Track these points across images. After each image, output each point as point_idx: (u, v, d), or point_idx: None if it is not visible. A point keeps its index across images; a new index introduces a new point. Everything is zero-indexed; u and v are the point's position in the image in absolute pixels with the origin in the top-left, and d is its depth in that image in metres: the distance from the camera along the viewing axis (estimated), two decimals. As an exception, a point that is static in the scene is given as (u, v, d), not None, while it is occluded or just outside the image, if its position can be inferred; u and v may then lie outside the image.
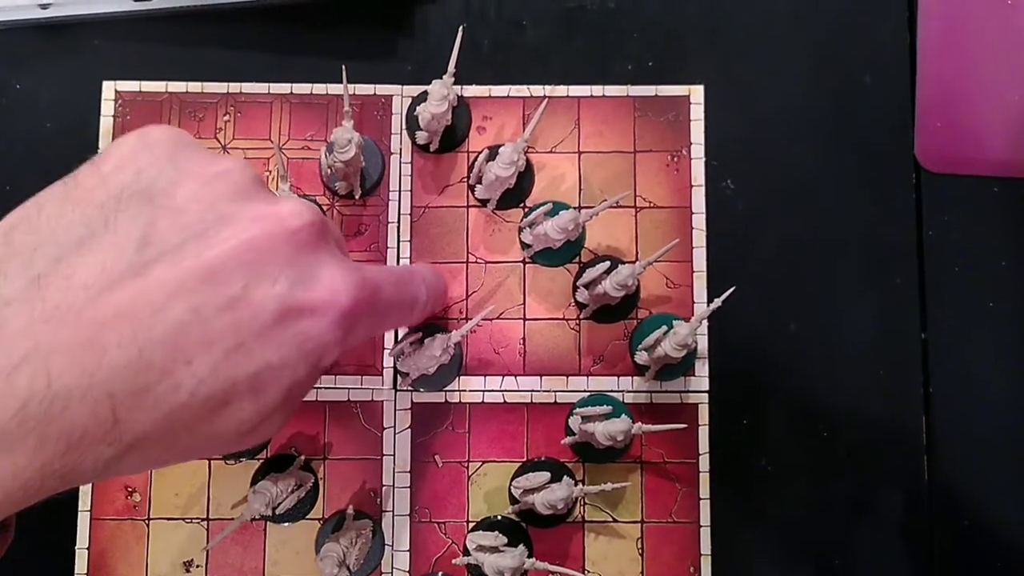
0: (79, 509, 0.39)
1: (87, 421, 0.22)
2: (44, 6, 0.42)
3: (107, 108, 0.42)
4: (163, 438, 0.24)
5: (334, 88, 0.42)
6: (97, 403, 0.22)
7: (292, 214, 0.25)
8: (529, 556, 0.36)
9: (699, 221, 0.41)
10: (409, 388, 0.40)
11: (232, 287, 0.24)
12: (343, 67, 0.37)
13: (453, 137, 0.41)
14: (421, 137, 0.41)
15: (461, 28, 0.38)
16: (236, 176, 0.26)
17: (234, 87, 0.42)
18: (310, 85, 0.42)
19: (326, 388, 0.40)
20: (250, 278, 0.24)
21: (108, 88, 0.42)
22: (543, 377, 0.40)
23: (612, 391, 0.40)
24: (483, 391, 0.40)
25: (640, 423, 0.36)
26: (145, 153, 0.26)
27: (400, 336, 0.40)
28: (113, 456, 0.23)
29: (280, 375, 0.25)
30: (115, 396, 0.22)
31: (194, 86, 0.42)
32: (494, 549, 0.36)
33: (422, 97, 0.41)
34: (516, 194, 0.41)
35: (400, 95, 0.42)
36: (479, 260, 0.41)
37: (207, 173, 0.25)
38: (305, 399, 0.39)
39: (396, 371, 0.40)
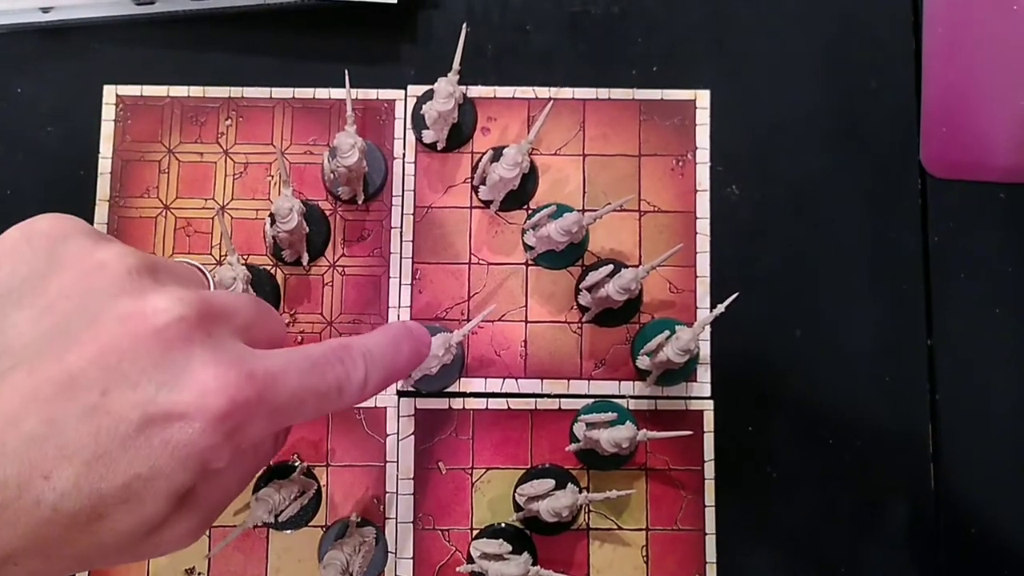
0: (80, 516, 0.39)
1: None
2: (45, 10, 0.41)
3: (108, 112, 0.42)
4: (38, 553, 0.22)
5: (337, 93, 0.42)
6: None
7: (160, 310, 0.23)
8: (533, 564, 0.36)
9: (703, 226, 0.41)
10: (412, 388, 0.40)
11: (91, 394, 0.22)
12: (346, 72, 0.37)
13: (460, 134, 0.41)
14: (428, 136, 0.41)
15: (464, 25, 0.38)
16: (112, 267, 0.24)
17: (236, 91, 0.42)
18: (312, 89, 0.42)
19: (329, 394, 0.40)
20: (110, 383, 0.22)
21: (109, 92, 0.42)
22: (544, 380, 0.40)
23: (613, 395, 0.40)
24: (486, 396, 0.40)
25: (645, 430, 0.36)
26: (24, 248, 0.24)
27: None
28: None
29: (154, 484, 0.23)
30: None
31: (195, 90, 0.42)
32: (498, 557, 0.36)
33: (428, 96, 0.41)
34: (520, 196, 0.41)
35: (403, 99, 0.42)
36: (481, 261, 0.41)
37: (82, 266, 0.24)
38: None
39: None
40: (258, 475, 0.39)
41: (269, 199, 0.41)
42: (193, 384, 0.23)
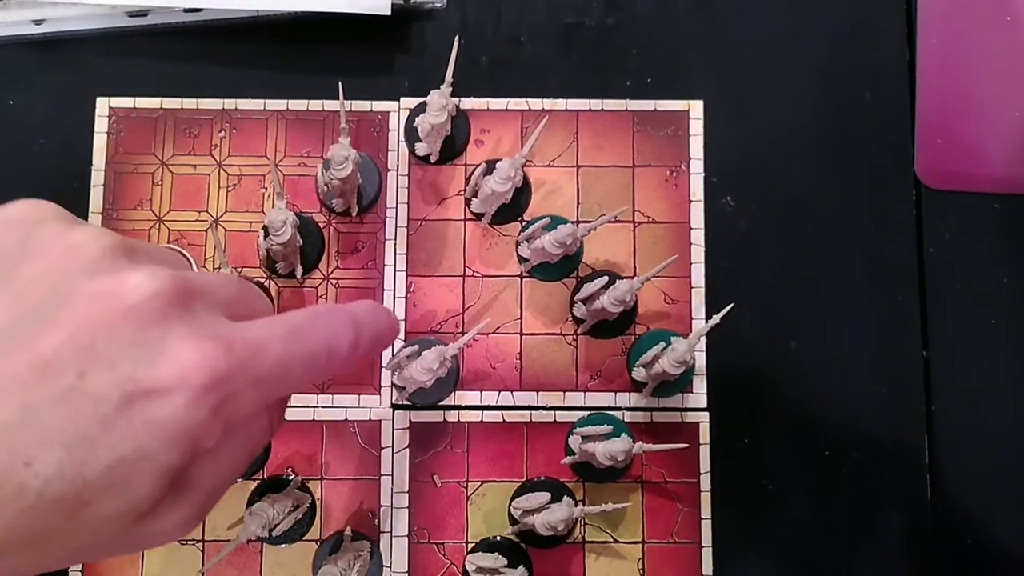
0: (72, 531, 0.39)
1: None
2: (38, 22, 0.41)
3: (101, 124, 0.41)
4: (26, 544, 0.22)
5: (330, 105, 0.42)
6: None
7: (133, 287, 0.23)
8: (529, 578, 0.36)
9: (698, 237, 0.41)
10: (406, 401, 0.39)
11: (66, 376, 0.21)
12: (340, 84, 0.37)
13: (453, 147, 0.41)
14: (421, 148, 0.41)
15: (456, 37, 0.38)
16: (86, 249, 0.24)
17: (229, 103, 0.42)
18: (306, 101, 0.42)
19: (323, 407, 0.39)
20: (86, 364, 0.22)
21: (102, 104, 0.42)
22: (540, 392, 0.40)
23: (609, 407, 0.40)
24: (481, 409, 0.40)
25: (641, 443, 0.36)
26: None
27: (396, 349, 0.40)
28: None
29: (141, 466, 0.22)
30: None
31: (189, 102, 0.42)
32: (494, 571, 0.36)
33: (421, 108, 0.41)
34: (512, 209, 0.41)
35: (397, 110, 0.42)
36: (476, 274, 0.41)
37: (56, 249, 0.24)
38: (302, 418, 0.39)
39: (393, 384, 0.39)
40: (252, 489, 0.39)
41: (263, 212, 0.41)
42: (172, 359, 0.22)
